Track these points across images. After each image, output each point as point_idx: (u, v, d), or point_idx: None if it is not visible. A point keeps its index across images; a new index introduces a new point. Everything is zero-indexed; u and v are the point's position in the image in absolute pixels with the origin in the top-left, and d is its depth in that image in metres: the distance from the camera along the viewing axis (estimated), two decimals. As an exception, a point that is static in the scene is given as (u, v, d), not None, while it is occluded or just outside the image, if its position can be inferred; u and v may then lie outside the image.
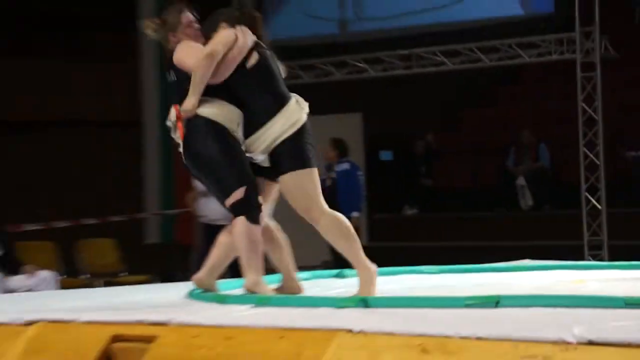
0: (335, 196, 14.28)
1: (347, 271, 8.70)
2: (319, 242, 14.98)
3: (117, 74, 20.76)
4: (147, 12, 19.33)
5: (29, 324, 6.31)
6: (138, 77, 19.65)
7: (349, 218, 14.35)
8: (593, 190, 15.66)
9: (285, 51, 17.81)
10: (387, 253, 14.42)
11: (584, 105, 15.66)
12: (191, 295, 6.95)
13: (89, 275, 13.81)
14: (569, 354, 4.49)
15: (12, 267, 11.52)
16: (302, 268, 8.15)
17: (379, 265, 9.65)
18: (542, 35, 15.97)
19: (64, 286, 11.55)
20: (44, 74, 19.94)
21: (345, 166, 14.70)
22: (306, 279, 8.27)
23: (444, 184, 20.34)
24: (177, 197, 18.28)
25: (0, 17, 19.33)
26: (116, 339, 5.84)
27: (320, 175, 7.08)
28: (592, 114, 15.63)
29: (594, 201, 15.66)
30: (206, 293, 6.97)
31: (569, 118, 16.51)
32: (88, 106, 20.44)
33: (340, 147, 14.87)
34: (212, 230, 15.38)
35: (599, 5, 15.30)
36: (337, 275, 8.53)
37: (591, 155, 15.63)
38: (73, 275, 13.43)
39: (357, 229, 14.58)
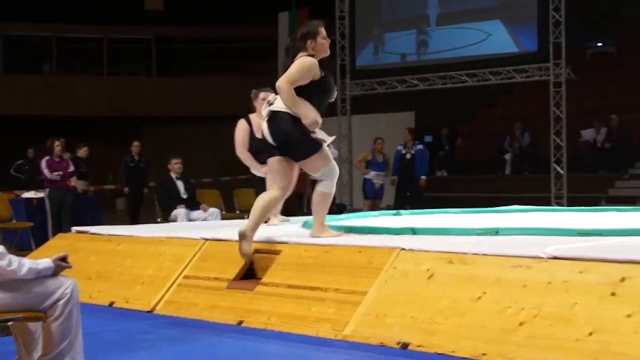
0: (413, 166, 14.41)
1: (402, 211, 8.65)
2: (386, 193, 15.09)
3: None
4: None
5: (203, 240, 6.37)
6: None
7: (419, 179, 14.57)
8: (558, 162, 15.46)
9: (367, 73, 17.88)
10: (428, 201, 14.33)
11: (554, 108, 15.49)
12: (304, 225, 6.94)
13: (239, 212, 13.84)
14: (541, 264, 4.45)
15: (194, 204, 11.61)
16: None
17: (423, 208, 9.61)
18: (529, 64, 15.84)
19: (224, 218, 11.61)
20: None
21: (419, 147, 14.75)
22: (376, 216, 8.25)
23: (463, 157, 20.18)
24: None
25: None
26: (256, 251, 5.87)
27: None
28: (559, 114, 15.47)
29: (558, 169, 15.46)
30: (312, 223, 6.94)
31: (545, 116, 16.26)
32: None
33: (414, 134, 14.95)
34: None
35: (565, 47, 15.18)
36: (396, 214, 8.47)
37: (558, 140, 15.47)
38: (231, 211, 13.46)
39: (424, 187, 14.69)
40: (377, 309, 4.84)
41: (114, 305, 6.19)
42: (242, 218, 12.46)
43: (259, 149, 7.28)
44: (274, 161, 5.95)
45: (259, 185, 7.51)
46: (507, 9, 16.24)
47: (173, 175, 11.85)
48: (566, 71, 15.44)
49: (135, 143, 14.87)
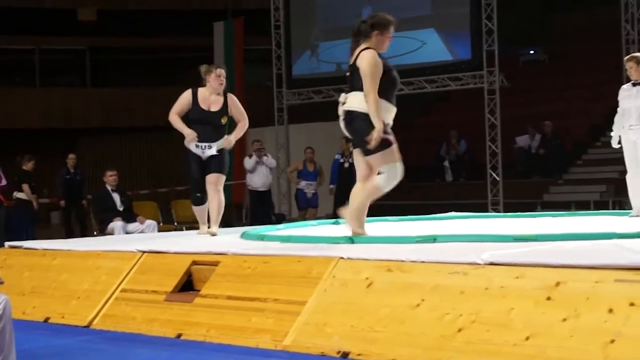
0: (351, 174, 14.42)
1: (341, 220, 8.66)
2: (325, 202, 15.13)
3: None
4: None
5: (141, 252, 6.31)
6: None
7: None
8: (494, 168, 15.66)
9: (303, 82, 17.91)
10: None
11: (488, 115, 15.70)
12: (242, 235, 6.92)
13: (177, 224, 13.73)
14: (478, 271, 4.49)
15: (130, 217, 11.50)
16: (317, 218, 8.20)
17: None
18: (463, 72, 16.03)
19: (161, 230, 11.52)
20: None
21: None
22: (315, 225, 8.26)
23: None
24: (233, 173, 18.22)
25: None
26: (194, 263, 5.84)
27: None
28: (494, 121, 15.67)
29: (494, 175, 15.66)
30: (251, 233, 6.94)
31: (480, 123, 16.46)
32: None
33: None
34: (256, 194, 15.52)
35: (498, 55, 15.40)
36: (335, 223, 8.49)
37: (493, 147, 15.68)
38: (169, 223, 13.35)
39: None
40: (316, 318, 4.84)
41: (50, 321, 6.08)
42: (180, 229, 12.40)
43: (199, 121, 7.40)
44: (357, 151, 6.22)
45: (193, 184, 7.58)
46: (440, 18, 16.43)
47: (109, 188, 11.72)
48: (500, 79, 15.69)
49: (71, 156, 14.71)
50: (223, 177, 7.67)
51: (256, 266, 5.44)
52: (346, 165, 14.67)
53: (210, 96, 7.59)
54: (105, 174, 11.81)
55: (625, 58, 8.38)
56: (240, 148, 18.57)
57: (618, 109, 8.27)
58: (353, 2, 17.39)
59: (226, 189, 19.77)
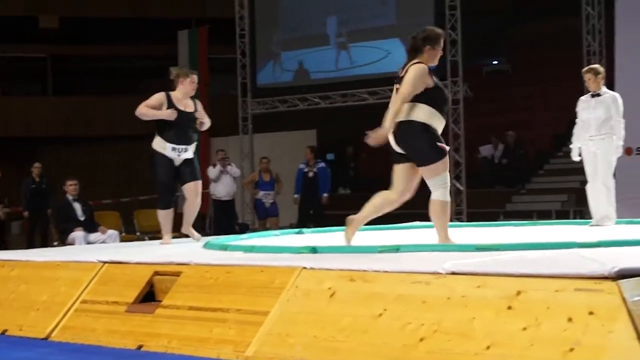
0: (315, 184, 14.49)
1: (304, 230, 8.68)
2: (289, 211, 15.15)
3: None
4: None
5: (101, 263, 6.26)
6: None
7: (321, 197, 14.72)
8: (458, 178, 15.77)
9: (268, 91, 17.95)
10: (331, 219, 14.39)
11: (452, 125, 15.80)
12: (205, 245, 6.90)
13: (139, 233, 13.64)
14: (440, 280, 4.50)
15: (92, 227, 11.41)
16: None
17: (326, 227, 9.66)
18: (427, 82, 16.13)
19: (123, 240, 11.44)
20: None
21: (322, 165, 14.82)
22: (278, 235, 8.26)
23: (366, 173, 20.37)
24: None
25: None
26: (156, 273, 5.80)
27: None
28: (458, 130, 15.79)
29: (458, 184, 15.76)
30: (213, 243, 6.92)
31: (444, 133, 16.54)
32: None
33: (315, 152, 15.03)
34: (220, 204, 15.48)
35: (461, 64, 15.52)
36: (298, 233, 8.48)
37: (457, 156, 15.77)
38: (130, 233, 13.26)
39: (327, 205, 14.87)
40: (279, 328, 4.83)
41: (7, 334, 6.01)
42: (143, 239, 12.33)
43: (176, 121, 7.40)
44: (398, 166, 6.26)
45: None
46: (405, 28, 16.50)
47: (69, 197, 11.63)
48: (463, 89, 15.82)
49: (36, 164, 14.57)
50: (200, 182, 7.78)
51: (218, 276, 5.42)
52: (310, 174, 14.70)
53: (182, 99, 7.59)
54: (66, 184, 11.72)
55: (584, 70, 8.49)
56: (204, 157, 18.52)
57: (577, 120, 8.37)
58: (318, 12, 17.46)
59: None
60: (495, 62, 22.28)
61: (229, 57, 18.92)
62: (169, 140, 7.48)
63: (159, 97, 7.58)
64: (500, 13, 22.79)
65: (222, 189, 14.99)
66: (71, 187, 11.64)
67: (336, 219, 14.03)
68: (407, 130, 6.06)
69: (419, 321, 4.34)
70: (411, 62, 6.06)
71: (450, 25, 15.58)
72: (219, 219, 15.07)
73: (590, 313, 3.84)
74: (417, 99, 5.98)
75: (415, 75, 5.95)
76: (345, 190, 19.81)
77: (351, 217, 6.18)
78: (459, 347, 4.11)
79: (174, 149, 7.46)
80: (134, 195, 17.77)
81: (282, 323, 4.85)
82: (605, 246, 5.42)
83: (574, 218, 14.20)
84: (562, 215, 14.82)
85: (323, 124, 19.65)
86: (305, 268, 5.11)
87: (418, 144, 6.04)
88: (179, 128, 7.46)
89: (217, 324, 5.09)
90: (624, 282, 3.89)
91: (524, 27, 22.68)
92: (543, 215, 14.69)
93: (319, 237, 7.82)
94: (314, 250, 5.85)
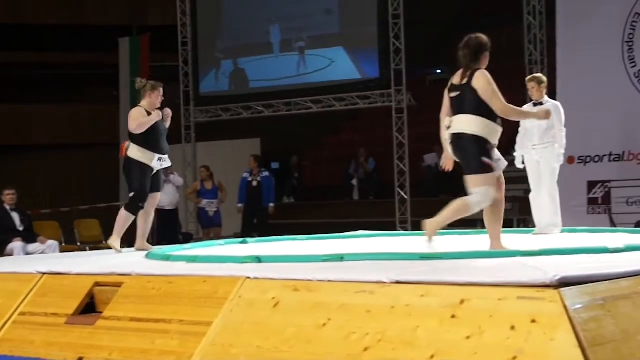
0: (259, 193, 14.46)
1: (248, 239, 8.66)
2: (233, 221, 15.09)
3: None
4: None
5: (41, 274, 6.17)
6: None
7: (268, 207, 14.70)
8: (402, 187, 15.88)
9: (211, 100, 17.88)
10: (275, 228, 14.39)
11: (396, 134, 15.93)
12: (147, 256, 6.84)
13: (80, 244, 13.48)
14: (385, 289, 4.52)
15: (31, 237, 11.24)
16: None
17: (270, 236, 9.66)
18: (371, 90, 16.25)
19: (63, 250, 11.30)
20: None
21: (265, 174, 14.80)
22: (222, 245, 8.23)
23: (310, 183, 20.41)
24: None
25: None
26: (97, 284, 5.74)
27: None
28: (402, 139, 15.92)
29: (402, 193, 15.87)
30: (156, 253, 6.87)
31: (389, 142, 16.68)
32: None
33: (259, 161, 15.01)
34: (163, 214, 15.35)
35: (405, 73, 15.67)
36: (242, 242, 8.46)
37: (401, 165, 15.90)
38: (71, 243, 13.10)
39: (273, 215, 14.87)
40: (222, 339, 4.81)
41: (-58, 347, 5.88)
42: (84, 250, 12.18)
43: (157, 132, 7.65)
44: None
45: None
46: (349, 36, 16.61)
47: (7, 207, 11.45)
48: (407, 97, 15.94)
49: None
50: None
51: (161, 287, 5.38)
52: (254, 184, 14.66)
53: (152, 110, 7.80)
54: (3, 193, 11.54)
55: (527, 78, 8.63)
56: (146, 166, 18.40)
57: (520, 129, 8.49)
58: (261, 20, 17.45)
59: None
60: (438, 71, 22.50)
61: (172, 65, 18.81)
62: (155, 150, 7.67)
63: (140, 111, 7.77)
64: (444, 22, 23.03)
65: (165, 198, 14.84)
66: (8, 197, 11.46)
67: (280, 228, 14.10)
68: (460, 143, 6.26)
69: (363, 330, 4.36)
70: (472, 69, 6.16)
71: (393, 34, 15.70)
72: (162, 229, 14.96)
73: (533, 321, 3.89)
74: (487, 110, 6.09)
75: (492, 85, 6.11)
76: (290, 199, 19.82)
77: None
78: (403, 356, 4.13)
79: (159, 159, 7.67)
80: (74, 205, 17.56)
81: (225, 333, 4.83)
82: (547, 254, 5.50)
83: (518, 226, 14.37)
84: (505, 223, 14.91)
85: (267, 133, 19.64)
86: (249, 278, 5.10)
87: (467, 155, 6.24)
88: (160, 138, 7.69)
89: (159, 335, 5.06)
90: (565, 290, 3.95)
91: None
92: (487, 223, 14.82)
93: (263, 247, 7.81)
94: (258, 259, 5.84)
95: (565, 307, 3.86)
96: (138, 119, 7.66)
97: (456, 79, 6.23)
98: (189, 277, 5.40)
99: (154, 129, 7.68)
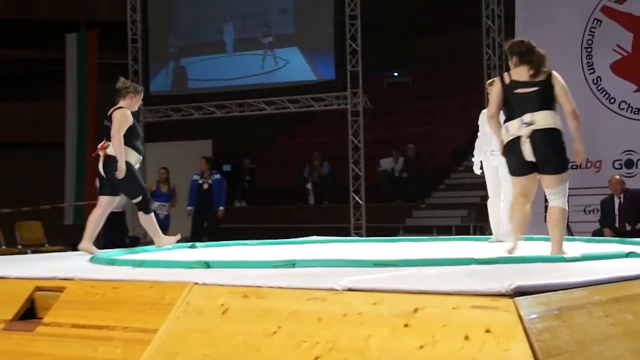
0: (210, 196, 14.38)
1: (198, 244, 8.61)
2: (182, 224, 15.00)
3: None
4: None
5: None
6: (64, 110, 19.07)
7: (218, 211, 14.65)
8: (357, 192, 15.91)
9: (161, 99, 17.77)
10: (226, 232, 14.34)
11: (352, 138, 15.97)
12: (92, 260, 6.77)
13: (21, 247, 13.31)
14: (337, 297, 4.51)
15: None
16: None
17: (220, 240, 9.62)
18: (327, 92, 16.27)
19: (4, 253, 11.14)
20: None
21: (217, 176, 14.72)
22: (170, 249, 8.17)
23: (262, 186, 20.38)
24: (86, 193, 17.83)
25: None
26: (38, 289, 5.65)
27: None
28: (357, 143, 15.95)
29: (357, 199, 15.90)
30: (100, 257, 6.79)
31: (344, 145, 16.72)
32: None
33: (210, 163, 14.92)
34: (109, 216, 15.18)
35: (361, 75, 15.73)
36: (191, 247, 8.41)
37: (356, 170, 15.94)
38: (12, 246, 12.92)
39: (223, 218, 14.81)
40: (168, 347, 4.76)
41: None
42: (25, 253, 12.01)
43: (138, 137, 7.84)
44: (531, 176, 6.24)
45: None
46: (304, 37, 16.62)
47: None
48: (363, 100, 16.00)
49: None
50: None
51: (105, 292, 5.32)
52: (205, 186, 14.58)
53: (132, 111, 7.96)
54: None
55: (487, 82, 8.68)
56: (93, 167, 18.20)
57: (478, 134, 8.54)
58: (214, 18, 17.40)
59: (78, 209, 19.35)
60: (396, 74, 22.61)
61: (121, 62, 18.66)
62: (139, 152, 7.93)
63: (127, 117, 7.86)
64: (402, 24, 23.18)
65: (112, 200, 14.72)
66: (-53, 198, 11.28)
67: (231, 233, 14.05)
68: (548, 139, 6.15)
69: (314, 339, 4.34)
70: (545, 67, 6.23)
71: (350, 35, 15.74)
72: (108, 232, 14.79)
73: (487, 331, 3.90)
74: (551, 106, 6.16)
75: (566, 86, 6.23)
76: (242, 203, 19.77)
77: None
78: (354, 366, 4.12)
79: (138, 159, 7.93)
80: (16, 207, 17.33)
81: (171, 341, 4.79)
82: (503, 263, 5.54)
83: (475, 234, 14.50)
84: (462, 230, 15.11)
85: (219, 134, 19.58)
86: (197, 284, 5.06)
87: (555, 152, 6.15)
88: (138, 143, 7.91)
89: (102, 343, 5.00)
90: (520, 300, 3.97)
91: (426, 40, 23.11)
92: (443, 230, 14.96)
93: (213, 252, 7.77)
94: (206, 265, 5.81)
95: (520, 316, 3.88)
96: (123, 126, 7.77)
97: (522, 76, 6.21)
98: (135, 282, 5.35)
99: (134, 129, 7.82)
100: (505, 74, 6.35)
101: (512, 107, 6.24)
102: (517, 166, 6.26)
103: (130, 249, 8.60)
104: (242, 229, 16.74)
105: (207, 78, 17.59)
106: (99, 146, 8.01)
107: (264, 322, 4.58)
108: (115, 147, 7.67)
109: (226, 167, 19.59)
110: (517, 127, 6.17)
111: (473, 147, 8.64)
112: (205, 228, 14.58)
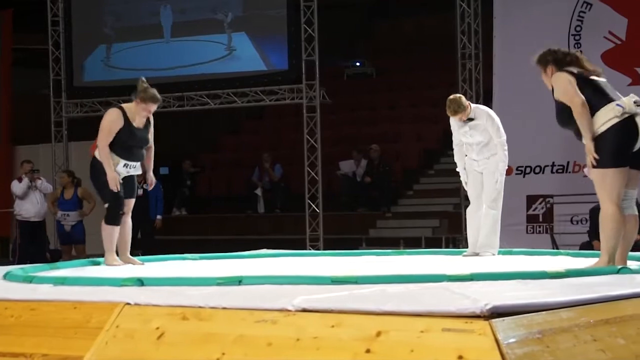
0: (146, 203, 14.30)
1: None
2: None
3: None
4: None
5: None
6: None
7: (154, 220, 14.52)
8: (313, 198, 15.94)
9: (88, 92, 17.65)
10: (163, 244, 14.30)
11: (308, 137, 16.00)
12: (5, 277, 6.71)
13: None
14: (289, 319, 4.53)
15: None
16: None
17: (156, 254, 9.59)
18: (278, 85, 16.29)
19: None
20: None
21: None
22: (98, 264, 8.13)
23: (205, 192, 20.34)
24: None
25: None
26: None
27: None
28: (314, 143, 15.98)
29: (314, 206, 15.94)
30: (16, 274, 6.74)
31: (297, 145, 16.74)
32: None
33: None
34: (27, 226, 15.12)
35: (319, 66, 15.76)
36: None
37: (312, 173, 15.97)
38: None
39: (160, 228, 14.70)
40: (95, 377, 4.76)
41: None
42: None
43: (131, 140, 8.05)
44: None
45: None
46: (253, 21, 16.59)
47: None
48: (321, 94, 16.03)
49: None
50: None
51: (21, 314, 5.30)
52: (139, 192, 14.51)
53: (135, 118, 8.22)
54: None
55: (447, 106, 8.56)
56: (7, 169, 18.04)
57: (454, 141, 8.59)
58: (149, -1, 17.35)
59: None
60: (357, 64, 22.67)
61: (39, 48, 18.52)
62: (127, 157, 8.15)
63: (113, 120, 8.23)
64: (364, 7, 23.25)
65: (30, 208, 14.66)
66: None
67: (169, 245, 14.00)
68: None
69: (263, 367, 4.36)
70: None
71: (305, 19, 15.78)
72: (25, 244, 14.72)
73: (460, 357, 3.94)
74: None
75: None
76: (181, 211, 19.71)
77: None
78: (309, 397, 4.15)
79: (126, 165, 8.11)
80: None
81: (99, 371, 4.79)
82: (478, 280, 5.59)
83: (447, 246, 14.58)
84: (433, 242, 15.19)
85: (155, 132, 19.50)
86: (128, 304, 5.06)
87: None
88: (132, 146, 8.17)
89: (18, 373, 4.98)
90: (497, 322, 4.01)
91: (391, 25, 23.21)
92: (411, 242, 15.02)
93: (147, 267, 7.75)
94: (140, 282, 5.80)
95: (496, 340, 3.93)
96: (106, 137, 8.07)
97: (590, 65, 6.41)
98: (56, 302, 5.33)
99: (126, 139, 8.06)
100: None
101: (601, 92, 6.22)
102: (626, 153, 6.09)
103: (51, 264, 8.52)
104: (181, 240, 16.71)
105: (140, 67, 17.44)
106: (92, 145, 8.35)
107: (205, 347, 4.59)
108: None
109: (163, 170, 19.51)
110: (633, 105, 6.08)
111: (445, 148, 8.71)
112: (138, 240, 14.52)
